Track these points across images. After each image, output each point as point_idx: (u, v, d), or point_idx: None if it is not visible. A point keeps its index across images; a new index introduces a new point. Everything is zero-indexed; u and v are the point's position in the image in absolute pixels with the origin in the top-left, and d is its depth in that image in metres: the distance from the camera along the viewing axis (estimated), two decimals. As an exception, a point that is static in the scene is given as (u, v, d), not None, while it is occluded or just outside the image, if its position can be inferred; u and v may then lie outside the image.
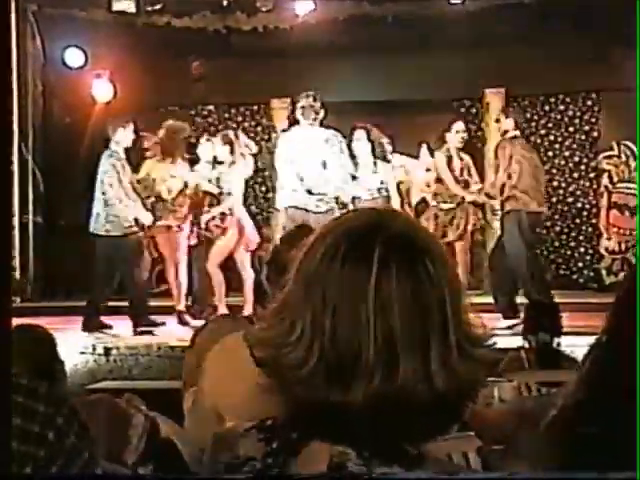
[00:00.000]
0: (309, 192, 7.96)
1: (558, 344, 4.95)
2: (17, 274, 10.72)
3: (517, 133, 8.48)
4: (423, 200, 9.92)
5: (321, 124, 8.31)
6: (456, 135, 9.06)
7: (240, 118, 12.16)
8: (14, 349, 3.09)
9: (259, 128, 12.15)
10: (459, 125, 9.21)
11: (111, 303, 8.52)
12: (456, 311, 1.14)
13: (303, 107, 8.24)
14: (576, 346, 6.26)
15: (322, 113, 8.27)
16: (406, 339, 1.10)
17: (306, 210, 7.89)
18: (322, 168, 8.05)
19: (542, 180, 8.69)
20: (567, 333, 7.31)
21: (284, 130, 9.59)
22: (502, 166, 8.19)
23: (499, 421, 1.96)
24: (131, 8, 10.31)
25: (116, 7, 10.28)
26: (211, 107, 12.10)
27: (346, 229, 1.17)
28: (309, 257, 1.17)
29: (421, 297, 1.12)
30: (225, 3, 10.36)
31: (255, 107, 12.11)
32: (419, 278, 1.13)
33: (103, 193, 8.31)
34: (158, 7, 10.88)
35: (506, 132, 8.46)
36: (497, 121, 11.27)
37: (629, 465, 1.68)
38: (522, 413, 1.93)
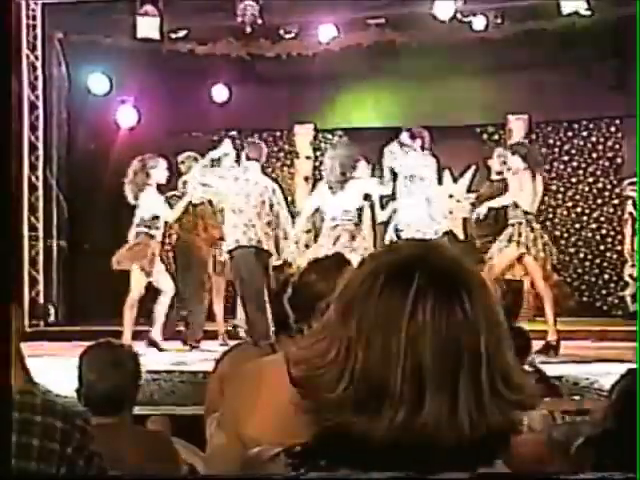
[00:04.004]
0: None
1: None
2: (41, 298, 10.78)
3: None
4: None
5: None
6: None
7: (262, 144, 12.20)
8: (96, 365, 3.06)
9: (281, 154, 12.20)
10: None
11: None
12: (492, 353, 1.12)
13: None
14: (600, 374, 6.21)
15: None
16: (434, 376, 1.09)
17: None
18: None
19: None
20: (592, 361, 7.28)
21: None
22: None
23: (529, 450, 1.94)
24: (155, 35, 10.39)
25: (140, 34, 10.37)
26: (234, 133, 12.16)
27: (388, 259, 1.17)
28: (350, 284, 1.17)
29: (454, 334, 1.10)
30: (249, 30, 10.43)
31: (278, 133, 12.16)
32: (454, 315, 1.11)
33: None
34: (182, 34, 10.99)
35: None
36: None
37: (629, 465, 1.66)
38: (551, 442, 1.92)
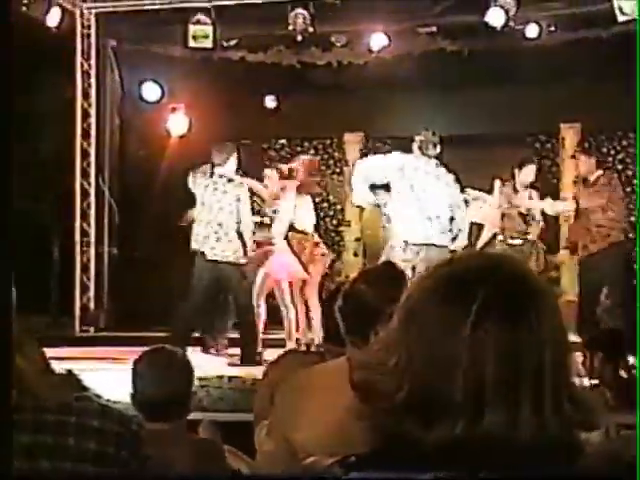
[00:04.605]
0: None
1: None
2: (92, 304, 10.89)
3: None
4: (494, 236, 9.84)
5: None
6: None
7: (312, 152, 12.23)
8: (151, 371, 3.06)
9: (331, 162, 12.20)
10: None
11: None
12: (556, 369, 1.10)
13: (422, 141, 8.09)
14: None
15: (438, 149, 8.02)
16: (495, 389, 1.07)
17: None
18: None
19: None
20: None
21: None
22: None
23: (588, 464, 1.90)
24: (207, 44, 10.46)
25: (192, 44, 10.44)
26: (284, 141, 12.19)
27: (452, 269, 1.16)
28: (413, 291, 1.16)
29: (518, 348, 1.08)
30: (300, 38, 10.45)
31: (328, 141, 12.16)
32: (519, 328, 1.09)
33: None
34: (234, 42, 11.04)
35: None
36: (573, 157, 11.17)
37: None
38: (610, 456, 1.88)
